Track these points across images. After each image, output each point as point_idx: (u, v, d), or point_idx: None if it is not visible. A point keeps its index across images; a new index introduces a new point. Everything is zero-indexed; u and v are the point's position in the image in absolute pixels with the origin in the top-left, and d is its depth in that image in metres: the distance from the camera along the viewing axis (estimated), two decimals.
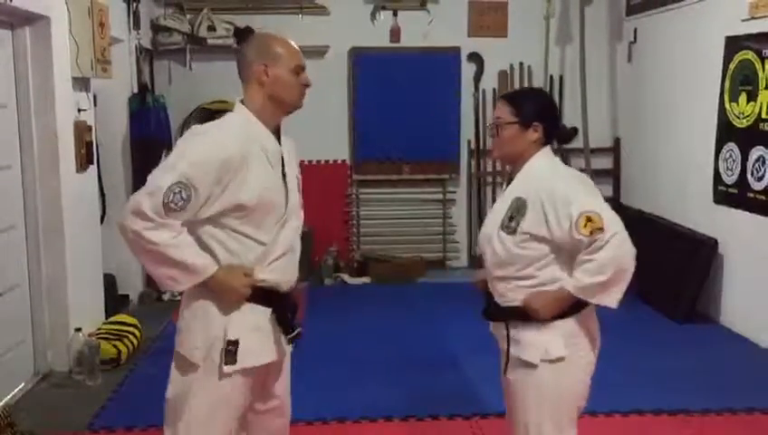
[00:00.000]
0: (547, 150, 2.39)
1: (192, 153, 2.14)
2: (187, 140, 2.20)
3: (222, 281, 2.17)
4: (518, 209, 2.29)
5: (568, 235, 2.22)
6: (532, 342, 2.31)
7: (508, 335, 2.36)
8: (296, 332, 2.27)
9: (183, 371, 2.27)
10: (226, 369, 2.19)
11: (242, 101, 2.31)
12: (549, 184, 2.28)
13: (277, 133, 2.30)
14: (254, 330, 2.23)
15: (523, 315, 2.31)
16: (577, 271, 2.25)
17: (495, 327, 2.47)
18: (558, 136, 2.46)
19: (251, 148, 2.18)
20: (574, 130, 2.59)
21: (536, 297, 2.29)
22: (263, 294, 2.23)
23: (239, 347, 2.19)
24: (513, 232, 2.29)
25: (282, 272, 2.28)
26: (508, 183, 2.45)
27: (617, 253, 2.22)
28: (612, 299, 2.29)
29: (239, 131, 2.21)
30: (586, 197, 2.28)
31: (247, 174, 2.15)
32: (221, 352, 2.19)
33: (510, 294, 2.35)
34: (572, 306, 2.31)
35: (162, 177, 2.10)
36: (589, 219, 2.19)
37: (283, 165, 2.29)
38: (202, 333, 2.22)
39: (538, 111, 2.36)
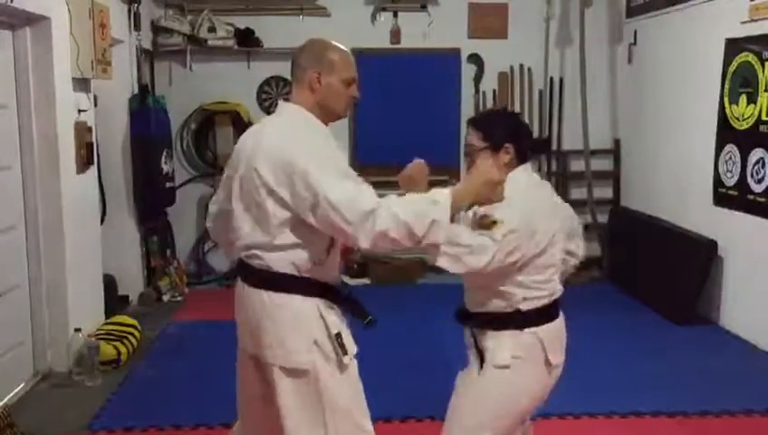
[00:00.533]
0: (524, 168, 2.43)
1: (326, 151, 2.19)
2: (309, 146, 2.18)
3: (473, 186, 2.16)
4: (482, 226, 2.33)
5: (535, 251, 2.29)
6: (489, 348, 2.40)
7: (476, 341, 2.47)
8: (370, 317, 2.36)
9: (297, 384, 2.23)
10: (346, 360, 2.24)
11: (286, 101, 2.34)
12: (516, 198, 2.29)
13: None
14: (341, 322, 2.29)
15: (484, 322, 2.43)
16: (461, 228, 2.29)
17: (465, 332, 2.61)
18: (532, 151, 2.50)
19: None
20: (545, 141, 2.61)
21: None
22: (329, 289, 2.28)
23: (343, 339, 2.25)
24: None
25: (336, 264, 2.34)
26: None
27: (488, 256, 2.21)
28: (443, 260, 2.24)
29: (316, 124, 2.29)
30: (520, 213, 2.26)
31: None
32: (334, 347, 2.22)
33: (474, 300, 2.48)
34: (529, 320, 2.36)
35: (345, 182, 2.14)
36: (495, 223, 2.23)
37: None
38: (305, 338, 2.20)
39: (506, 132, 2.40)
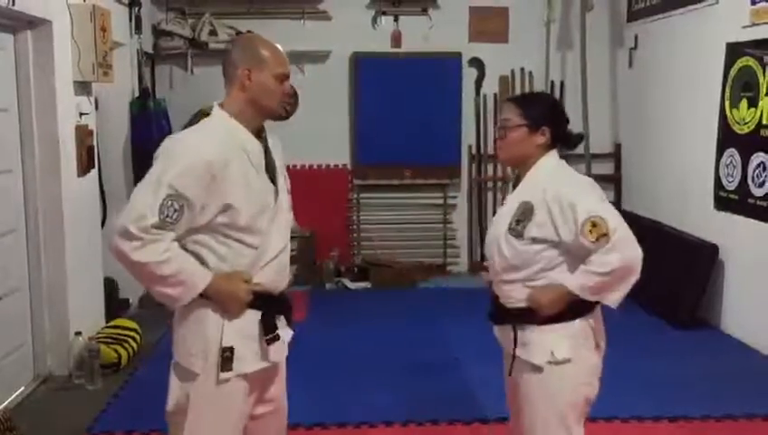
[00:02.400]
0: (554, 154, 2.40)
1: (176, 162, 2.10)
2: (168, 150, 2.15)
3: (222, 289, 2.16)
4: (525, 213, 2.30)
5: (574, 238, 2.24)
6: (539, 344, 2.32)
7: (515, 337, 2.36)
8: (273, 334, 2.25)
9: (183, 380, 2.26)
10: (223, 376, 2.18)
11: (220, 105, 2.26)
12: (555, 187, 2.29)
13: (259, 134, 2.27)
14: (248, 335, 2.22)
15: (530, 317, 2.32)
16: (580, 270, 2.26)
17: (501, 330, 2.48)
18: (565, 141, 2.45)
19: (232, 151, 2.15)
20: (581, 136, 2.60)
21: (541, 292, 2.30)
22: (257, 299, 2.21)
23: (234, 353, 2.19)
24: (519, 235, 2.30)
25: (275, 274, 2.27)
26: (514, 186, 2.46)
27: (622, 256, 2.24)
28: (612, 299, 2.30)
29: (218, 135, 2.17)
30: (591, 201, 2.27)
31: (233, 179, 2.13)
32: (218, 359, 2.18)
33: (516, 296, 2.36)
34: (578, 309, 2.32)
35: (150, 192, 2.07)
36: (594, 224, 2.21)
37: (268, 165, 2.27)
38: (198, 341, 2.21)
39: (546, 115, 2.37)
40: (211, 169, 2.09)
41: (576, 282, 2.26)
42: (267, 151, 2.29)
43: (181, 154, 2.12)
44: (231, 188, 2.12)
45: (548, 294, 2.29)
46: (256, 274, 2.21)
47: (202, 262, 2.18)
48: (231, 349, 2.18)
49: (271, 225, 2.23)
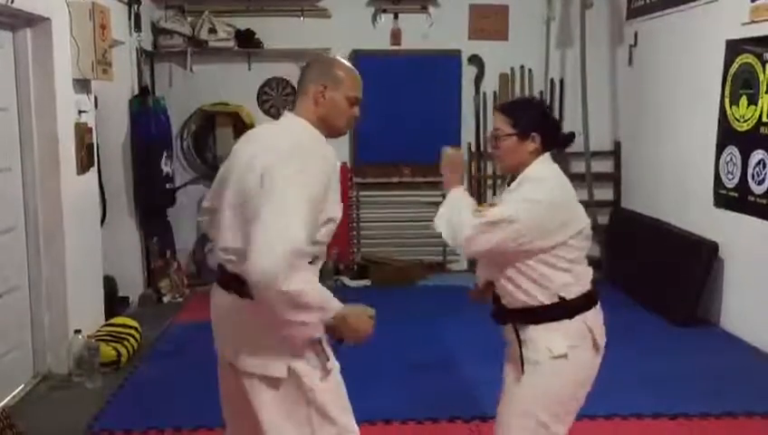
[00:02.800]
0: (545, 158, 2.44)
1: (310, 174, 2.06)
2: (295, 161, 2.06)
3: (350, 322, 2.15)
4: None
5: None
6: (537, 341, 2.36)
7: (518, 337, 2.40)
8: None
9: (276, 392, 2.17)
10: (329, 365, 2.24)
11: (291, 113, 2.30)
12: (527, 183, 2.37)
13: None
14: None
15: (529, 317, 2.36)
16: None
17: (506, 330, 2.51)
18: (556, 143, 2.50)
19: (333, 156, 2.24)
20: (572, 135, 2.63)
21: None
22: None
23: (323, 344, 2.23)
24: None
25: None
26: (509, 186, 2.50)
27: (470, 234, 2.30)
28: (440, 225, 2.42)
29: (321, 140, 2.24)
30: (530, 203, 2.31)
31: (335, 187, 2.18)
32: (317, 353, 2.20)
33: (516, 296, 2.39)
34: (573, 309, 2.36)
35: (298, 210, 1.97)
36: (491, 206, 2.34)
37: None
38: (277, 345, 2.13)
39: (535, 121, 2.41)
40: (334, 175, 2.18)
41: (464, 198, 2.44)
42: None
43: (311, 162, 2.11)
44: (334, 200, 2.18)
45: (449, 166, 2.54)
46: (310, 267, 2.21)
47: None
48: (320, 340, 2.20)
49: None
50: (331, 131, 2.29)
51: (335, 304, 2.10)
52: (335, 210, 2.18)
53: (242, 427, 2.39)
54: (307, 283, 1.98)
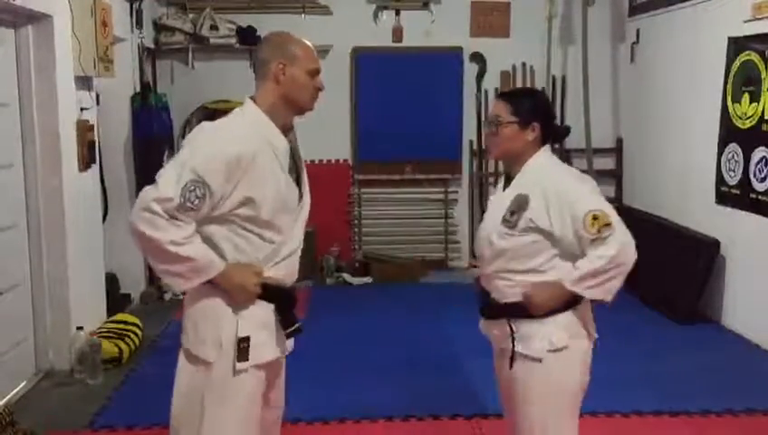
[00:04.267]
0: (546, 149, 2.42)
1: (203, 150, 2.13)
2: (197, 137, 2.19)
3: (233, 279, 2.18)
4: (520, 205, 2.32)
5: (570, 230, 2.26)
6: (536, 335, 2.33)
7: (512, 332, 2.36)
8: (296, 326, 2.28)
9: (194, 370, 2.26)
10: (240, 366, 2.20)
11: (252, 98, 2.29)
12: (552, 179, 2.33)
13: (286, 132, 2.30)
14: (262, 326, 2.24)
15: (525, 311, 2.33)
16: (580, 266, 2.28)
17: (492, 325, 2.46)
18: (554, 136, 2.50)
19: (261, 146, 2.18)
20: (567, 129, 2.64)
21: (537, 290, 2.31)
22: (269, 291, 2.23)
23: (250, 343, 2.20)
24: (513, 226, 2.32)
25: (287, 269, 2.30)
26: (505, 182, 2.46)
27: (619, 249, 2.26)
28: (606, 293, 2.33)
29: (249, 129, 2.20)
30: (589, 195, 2.32)
31: (258, 173, 2.15)
32: (234, 349, 2.19)
33: (510, 290, 2.37)
34: (569, 301, 2.34)
35: (175, 174, 2.09)
36: (595, 217, 2.24)
37: (295, 163, 2.31)
38: (212, 330, 2.22)
39: (536, 111, 2.39)
40: (238, 162, 2.12)
41: (572, 276, 2.28)
42: (294, 151, 2.32)
43: (209, 142, 2.16)
44: (254, 183, 2.15)
45: (542, 291, 2.31)
46: (270, 269, 2.23)
47: (220, 253, 2.19)
48: (247, 338, 2.20)
49: (293, 224, 2.28)
50: (295, 108, 2.29)
51: (212, 260, 2.16)
52: (253, 191, 2.14)
53: None
54: (180, 238, 2.09)
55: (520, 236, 2.31)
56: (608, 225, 2.24)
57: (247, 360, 2.20)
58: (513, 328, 2.36)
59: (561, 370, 2.34)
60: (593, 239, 2.24)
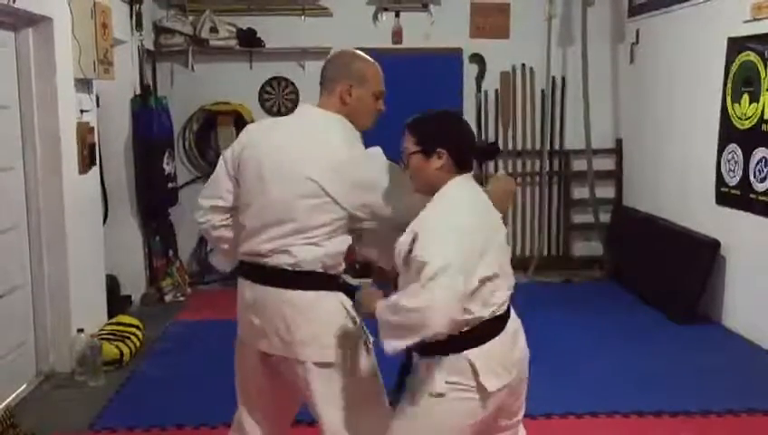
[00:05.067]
0: (461, 179, 2.17)
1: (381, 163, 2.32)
2: (381, 164, 2.31)
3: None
4: (413, 241, 2.08)
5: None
6: (419, 371, 2.18)
7: (409, 363, 2.24)
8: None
9: (334, 376, 2.29)
10: (370, 344, 2.32)
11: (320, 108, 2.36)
12: (422, 215, 2.11)
13: None
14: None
15: (416, 346, 2.07)
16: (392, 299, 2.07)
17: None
18: (476, 155, 2.28)
19: None
20: (492, 146, 2.49)
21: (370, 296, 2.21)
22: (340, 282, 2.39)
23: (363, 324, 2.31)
24: (407, 264, 2.09)
25: None
26: None
27: (420, 306, 1.94)
28: (387, 344, 2.03)
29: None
30: (436, 244, 2.00)
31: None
32: (362, 333, 2.31)
33: None
34: (455, 343, 2.08)
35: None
36: (423, 264, 1.97)
37: None
38: (334, 333, 2.27)
39: (439, 137, 2.17)
40: None
41: (383, 303, 2.08)
42: None
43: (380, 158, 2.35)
44: None
45: (371, 297, 2.18)
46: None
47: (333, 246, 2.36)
48: (361, 321, 2.31)
49: None
50: (356, 127, 2.35)
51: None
52: None
53: (265, 404, 2.51)
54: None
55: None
56: (422, 280, 1.94)
57: (369, 339, 2.32)
58: (413, 359, 2.24)
59: (425, 418, 2.14)
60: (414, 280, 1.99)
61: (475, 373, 2.08)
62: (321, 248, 2.26)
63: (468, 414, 2.12)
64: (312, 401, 2.32)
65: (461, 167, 2.18)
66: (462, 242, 2.02)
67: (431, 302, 1.92)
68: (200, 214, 2.48)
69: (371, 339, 2.31)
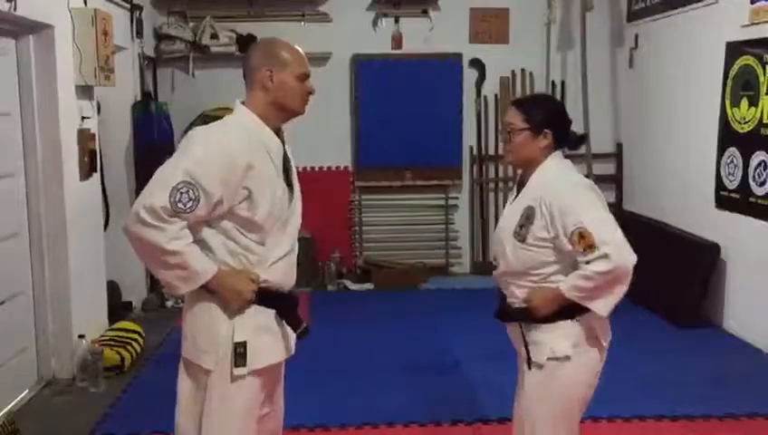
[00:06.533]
0: (558, 155, 2.44)
1: (196, 153, 2.13)
2: (190, 141, 2.19)
3: (226, 284, 2.18)
4: (528, 217, 2.35)
5: (565, 242, 2.29)
6: (540, 342, 2.37)
7: (524, 336, 2.40)
8: (303, 326, 2.29)
9: (194, 378, 2.28)
10: (237, 371, 2.19)
11: (242, 103, 2.31)
12: (553, 191, 2.34)
13: (278, 135, 2.31)
14: (261, 331, 2.24)
15: (531, 316, 2.37)
16: (572, 275, 2.30)
17: (511, 329, 2.51)
18: (568, 142, 2.51)
19: (256, 148, 2.19)
20: (583, 137, 2.66)
21: (535, 294, 2.35)
22: (266, 296, 2.23)
23: (247, 348, 2.20)
24: (523, 240, 2.35)
25: (283, 272, 2.30)
26: (518, 187, 2.50)
27: (608, 267, 2.25)
28: (601, 307, 2.31)
29: (243, 132, 2.21)
30: (585, 210, 2.30)
31: (253, 174, 2.16)
32: (231, 354, 2.19)
33: (520, 296, 2.41)
34: (578, 309, 2.34)
35: (164, 179, 2.10)
36: (581, 235, 2.25)
37: (286, 166, 2.30)
38: (209, 337, 2.22)
39: (548, 118, 2.42)
40: (233, 165, 2.12)
41: (566, 285, 2.30)
42: (285, 154, 2.33)
43: (203, 145, 2.16)
44: (251, 186, 2.15)
45: (540, 294, 2.35)
46: (264, 271, 2.23)
47: (212, 255, 2.20)
48: (244, 344, 2.20)
49: (284, 226, 2.27)
50: (286, 114, 2.30)
51: (205, 264, 2.15)
52: (252, 192, 2.16)
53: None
54: (167, 242, 2.09)
55: (529, 249, 2.35)
56: (591, 246, 2.24)
57: (245, 365, 2.19)
58: (525, 333, 2.40)
59: (557, 380, 2.36)
60: (582, 254, 2.26)
61: (596, 333, 2.37)
62: (214, 250, 2.21)
63: (592, 369, 2.41)
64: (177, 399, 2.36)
65: (558, 148, 2.43)
66: (602, 203, 2.35)
67: (613, 258, 2.22)
68: None
69: (247, 368, 2.20)
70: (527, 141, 2.40)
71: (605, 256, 2.23)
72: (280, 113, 2.28)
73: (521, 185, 2.49)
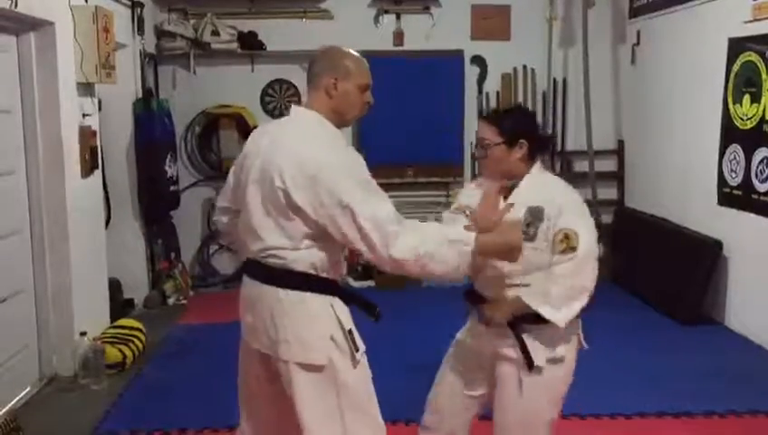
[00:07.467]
0: (540, 166, 2.49)
1: (345, 164, 2.20)
2: (336, 163, 2.19)
3: (498, 242, 2.20)
4: (535, 216, 2.35)
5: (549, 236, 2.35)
6: (539, 344, 2.40)
7: (521, 339, 2.41)
8: (377, 310, 2.46)
9: (313, 379, 2.28)
10: (358, 356, 2.31)
11: (306, 107, 2.37)
12: (564, 193, 2.42)
13: None
14: (349, 318, 2.37)
15: (533, 319, 2.37)
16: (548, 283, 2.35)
17: (492, 332, 2.54)
18: (542, 149, 2.56)
19: None
20: (549, 137, 2.71)
21: (496, 307, 2.46)
22: (338, 287, 2.37)
23: (354, 334, 2.33)
24: (532, 239, 2.34)
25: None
26: (505, 197, 2.45)
27: (575, 276, 2.33)
28: (559, 317, 2.34)
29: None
30: (583, 215, 2.39)
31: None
32: (348, 343, 2.29)
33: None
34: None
35: (366, 194, 2.15)
36: (566, 236, 2.30)
37: None
38: (320, 332, 2.27)
39: (522, 128, 2.44)
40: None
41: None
42: None
43: (336, 155, 2.22)
44: None
45: (505, 307, 2.43)
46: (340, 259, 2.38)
47: (320, 248, 2.27)
48: (351, 331, 2.32)
49: None
50: (344, 121, 2.38)
51: (466, 237, 2.18)
52: None
53: (263, 417, 2.50)
54: (422, 242, 2.12)
55: (536, 247, 2.34)
56: (572, 248, 2.29)
57: (358, 350, 2.31)
58: (523, 336, 2.42)
59: (558, 379, 2.43)
60: (557, 259, 2.32)
61: (578, 334, 2.46)
62: (307, 251, 2.24)
63: (572, 373, 2.47)
64: (295, 406, 2.29)
65: (533, 157, 2.46)
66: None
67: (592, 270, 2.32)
68: (215, 214, 2.66)
69: (362, 349, 2.33)
70: (503, 154, 2.42)
71: (572, 265, 2.30)
72: (338, 119, 2.35)
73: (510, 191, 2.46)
